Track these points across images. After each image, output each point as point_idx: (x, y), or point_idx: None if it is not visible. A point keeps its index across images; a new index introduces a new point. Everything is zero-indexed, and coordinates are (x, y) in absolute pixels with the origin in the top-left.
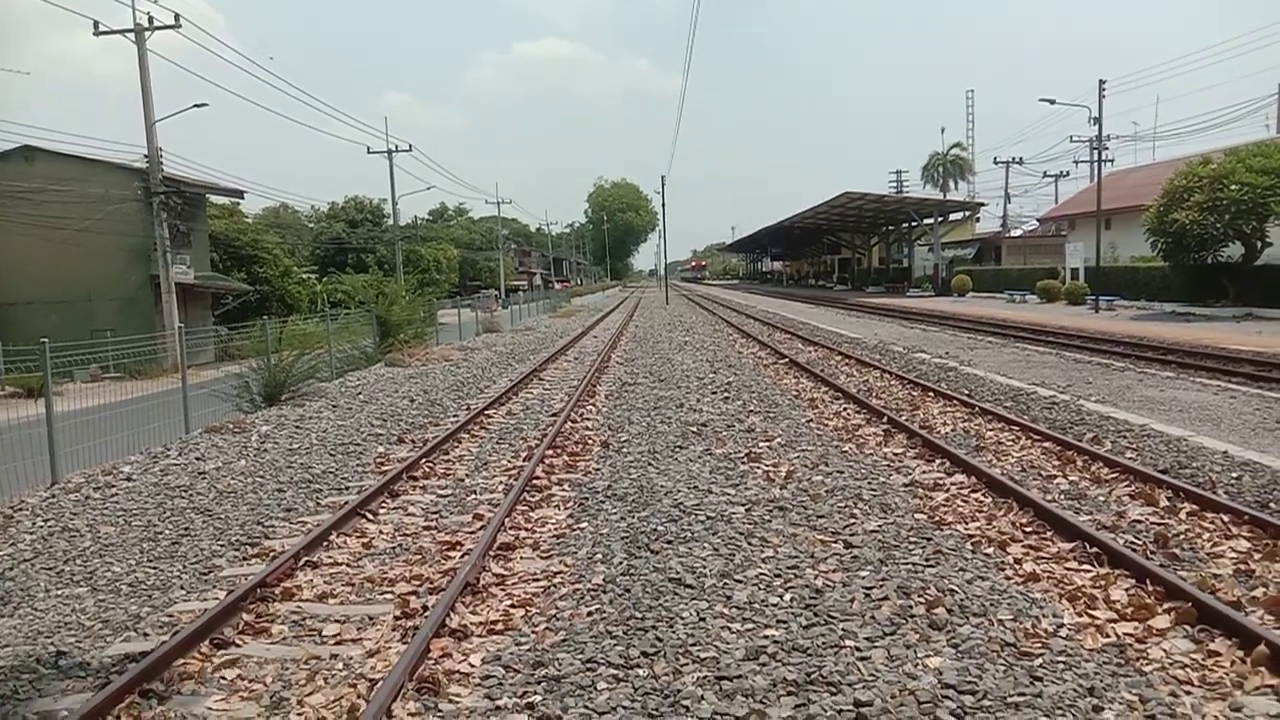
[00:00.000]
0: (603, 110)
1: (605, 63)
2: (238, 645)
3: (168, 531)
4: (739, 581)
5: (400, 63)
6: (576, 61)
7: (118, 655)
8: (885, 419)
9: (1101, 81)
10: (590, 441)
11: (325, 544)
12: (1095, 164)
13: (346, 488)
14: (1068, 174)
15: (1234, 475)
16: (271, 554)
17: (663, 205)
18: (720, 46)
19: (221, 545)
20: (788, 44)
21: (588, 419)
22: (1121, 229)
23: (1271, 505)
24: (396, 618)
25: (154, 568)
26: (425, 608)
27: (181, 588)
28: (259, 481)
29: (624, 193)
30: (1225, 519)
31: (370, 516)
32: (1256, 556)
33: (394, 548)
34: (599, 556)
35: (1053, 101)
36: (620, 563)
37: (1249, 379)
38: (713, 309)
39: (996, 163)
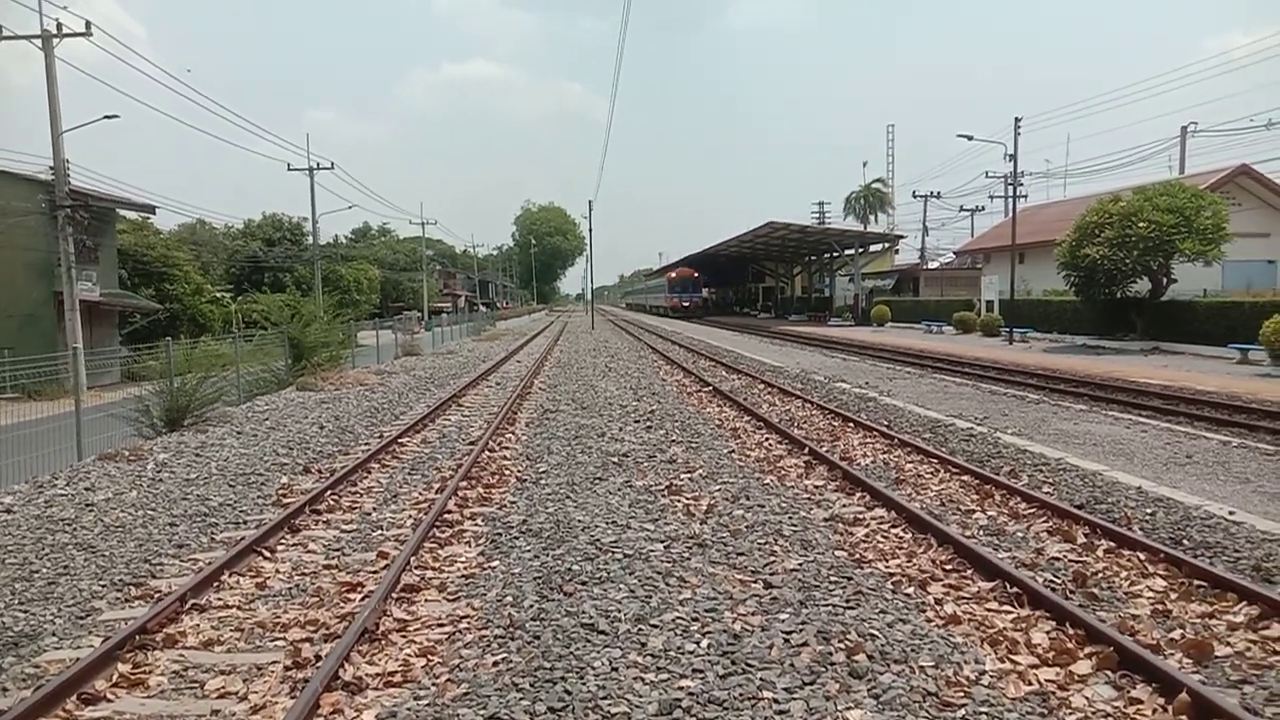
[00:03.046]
0: (532, 133)
1: (535, 85)
2: (109, 700)
3: (45, 570)
4: (655, 626)
5: (328, 79)
6: (506, 84)
7: None
8: (807, 450)
9: (1017, 119)
10: (507, 472)
11: (216, 584)
12: (1010, 199)
13: (244, 522)
14: (983, 208)
15: (1149, 511)
16: (157, 595)
17: (589, 230)
18: (650, 73)
19: (103, 585)
20: (717, 74)
21: (506, 448)
22: (1035, 263)
23: (1184, 543)
24: (287, 668)
25: (25, 611)
26: (318, 657)
27: (54, 634)
28: (150, 515)
29: (552, 216)
30: (1141, 557)
31: (267, 554)
32: (1173, 596)
33: (290, 589)
34: (509, 599)
35: (970, 138)
36: (531, 606)
37: (1158, 412)
38: (638, 334)
39: (915, 196)
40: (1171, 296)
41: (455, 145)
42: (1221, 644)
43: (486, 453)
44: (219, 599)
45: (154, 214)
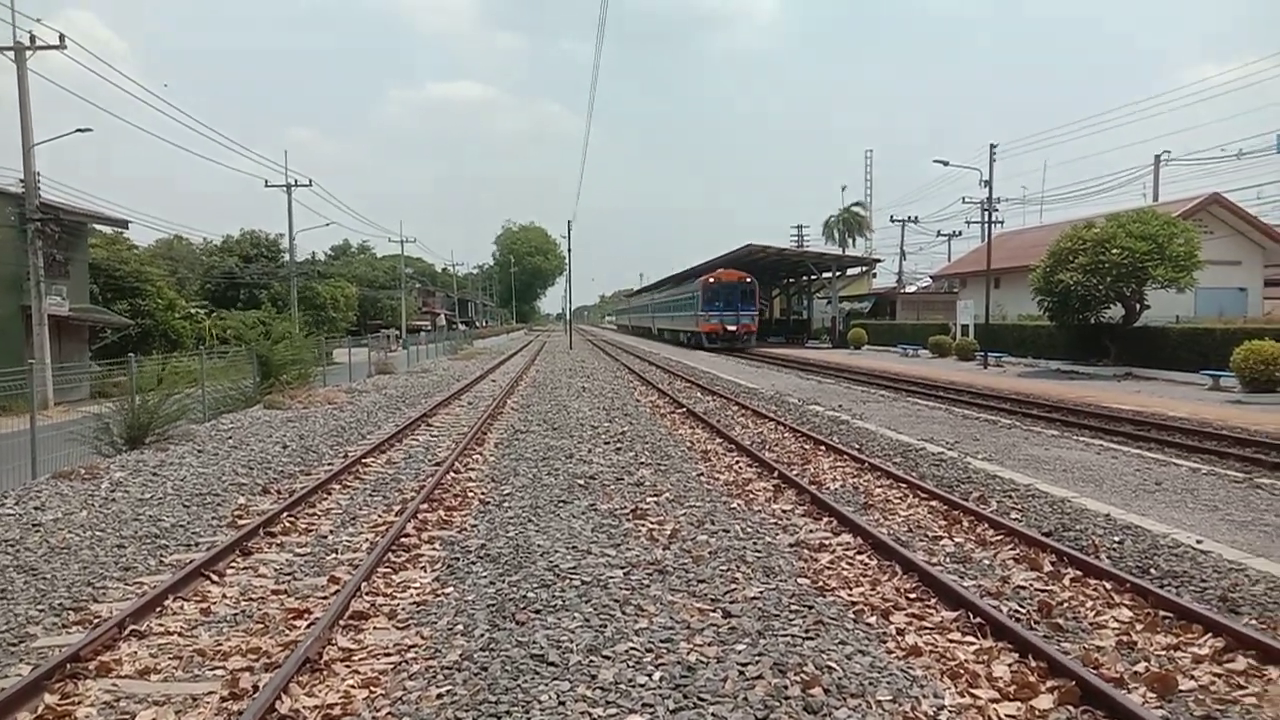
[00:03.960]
0: (516, 153)
1: (516, 105)
2: None
3: None
4: (607, 658)
5: (310, 98)
6: (488, 103)
7: None
8: (776, 474)
9: (993, 145)
10: (470, 495)
11: (158, 609)
12: (985, 224)
13: (196, 544)
14: (960, 233)
15: (1116, 539)
16: (97, 620)
17: (569, 250)
18: (635, 96)
19: (41, 610)
20: (704, 98)
21: (472, 469)
22: (1010, 288)
23: (1152, 572)
24: (222, 699)
25: None
26: (256, 687)
27: None
28: (98, 536)
29: (532, 236)
30: (1108, 586)
31: (215, 578)
32: (1138, 627)
33: (235, 614)
34: (460, 628)
35: (946, 163)
36: (481, 635)
37: (1129, 438)
38: (616, 355)
39: (893, 221)
40: (1144, 323)
41: (436, 164)
42: (1186, 677)
43: (451, 474)
44: (160, 625)
45: (127, 228)
